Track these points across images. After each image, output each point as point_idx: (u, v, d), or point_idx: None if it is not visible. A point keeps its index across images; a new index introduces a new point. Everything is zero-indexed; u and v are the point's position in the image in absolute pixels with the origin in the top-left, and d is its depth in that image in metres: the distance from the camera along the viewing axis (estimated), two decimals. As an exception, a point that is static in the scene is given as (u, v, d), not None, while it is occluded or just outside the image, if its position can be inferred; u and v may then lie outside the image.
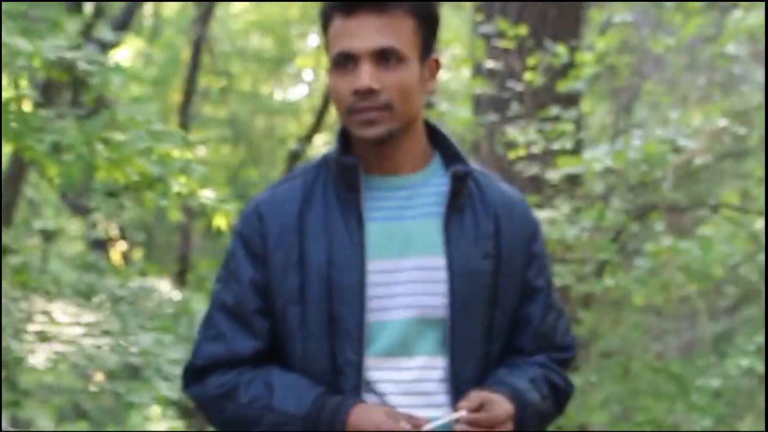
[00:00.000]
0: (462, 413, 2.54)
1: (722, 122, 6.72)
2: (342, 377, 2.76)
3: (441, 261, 2.74)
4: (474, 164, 2.93)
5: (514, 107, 7.46)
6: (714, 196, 7.61)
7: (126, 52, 15.70)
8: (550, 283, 2.92)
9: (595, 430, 7.39)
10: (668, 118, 7.35)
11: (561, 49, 7.17)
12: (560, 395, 2.83)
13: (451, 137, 2.94)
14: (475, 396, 2.61)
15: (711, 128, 6.77)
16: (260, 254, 2.83)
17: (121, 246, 13.50)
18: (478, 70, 9.38)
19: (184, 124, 13.29)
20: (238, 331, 2.84)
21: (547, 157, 6.93)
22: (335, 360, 2.79)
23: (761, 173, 6.96)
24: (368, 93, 2.65)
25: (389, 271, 2.80)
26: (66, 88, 8.67)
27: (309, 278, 2.80)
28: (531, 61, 7.37)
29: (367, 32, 2.69)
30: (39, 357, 7.69)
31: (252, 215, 2.92)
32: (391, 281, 2.79)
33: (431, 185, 2.88)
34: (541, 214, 6.49)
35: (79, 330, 7.25)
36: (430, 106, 8.80)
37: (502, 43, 7.58)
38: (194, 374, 2.87)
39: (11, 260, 8.28)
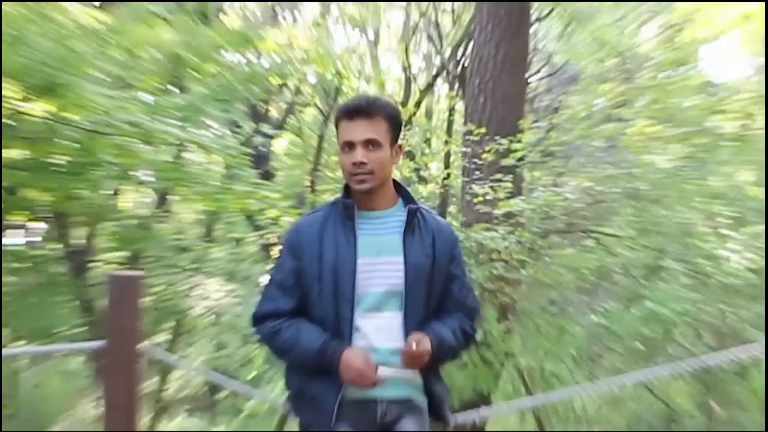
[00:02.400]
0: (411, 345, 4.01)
1: (587, 183, 9.22)
2: (342, 324, 4.05)
3: (400, 259, 4.09)
4: (420, 203, 4.24)
5: (477, 173, 9.84)
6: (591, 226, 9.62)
7: (283, 140, 19.88)
8: (464, 272, 4.36)
9: (512, 354, 9.15)
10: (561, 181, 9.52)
11: (503, 141, 9.70)
12: (469, 337, 4.36)
13: (408, 188, 4.30)
14: (414, 335, 4.05)
15: (581, 187, 9.23)
16: (297, 253, 4.14)
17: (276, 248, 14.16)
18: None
19: (313, 180, 18.26)
20: (282, 296, 4.14)
21: (495, 201, 9.07)
22: (338, 315, 4.05)
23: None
24: (361, 164, 3.95)
25: (371, 264, 4.07)
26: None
27: (324, 268, 4.06)
28: (487, 147, 9.86)
29: (360, 130, 3.96)
30: (197, 310, 10.39)
31: (294, 231, 4.21)
32: (372, 269, 4.06)
33: (396, 216, 4.18)
34: (488, 234, 8.76)
35: (221, 294, 10.15)
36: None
37: (472, 137, 10.17)
38: (256, 320, 4.21)
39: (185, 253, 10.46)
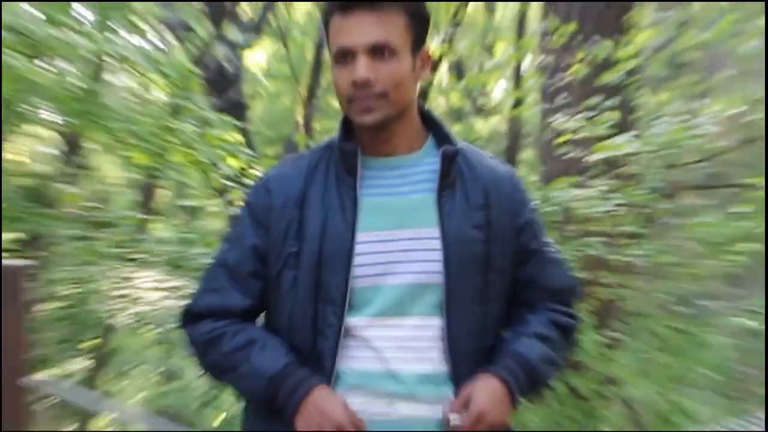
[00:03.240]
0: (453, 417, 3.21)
1: (738, 109, 7.60)
2: (322, 338, 3.30)
3: (435, 232, 3.31)
4: (463, 142, 3.55)
5: (562, 98, 8.44)
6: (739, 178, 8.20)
7: (261, 53, 17.88)
8: (545, 242, 3.58)
9: (617, 382, 7.94)
10: (694, 107, 7.98)
11: (604, 45, 8.12)
12: (568, 331, 3.52)
13: (443, 121, 3.57)
14: (455, 401, 3.23)
15: (728, 115, 7.56)
16: (264, 223, 3.41)
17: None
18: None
19: (309, 114, 15.71)
20: (233, 288, 3.43)
21: (591, 142, 7.57)
22: (317, 323, 3.31)
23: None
24: (365, 84, 3.22)
25: (384, 240, 3.34)
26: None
27: (305, 247, 3.34)
28: (577, 55, 8.29)
29: (362, 29, 3.23)
30: (120, 318, 8.94)
31: (261, 188, 3.51)
32: (386, 250, 3.33)
33: (424, 164, 3.44)
34: (580, 192, 7.33)
35: (160, 294, 8.67)
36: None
37: (555, 40, 8.70)
38: (189, 317, 3.51)
39: (109, 233, 9.27)
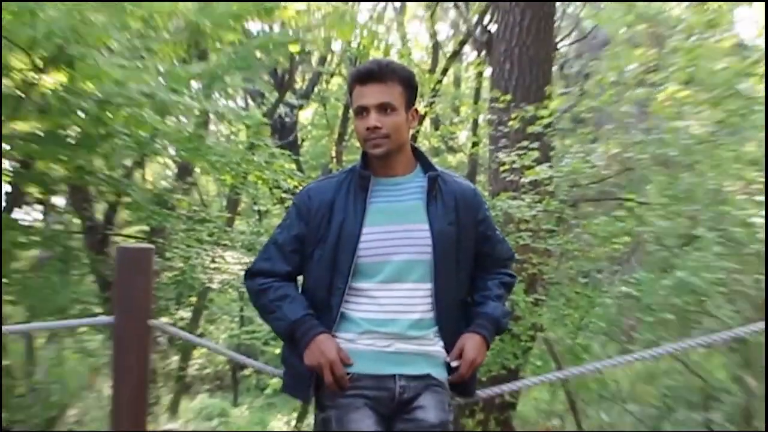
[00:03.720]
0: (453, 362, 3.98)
1: (615, 150, 9.37)
2: (333, 297, 3.96)
3: (425, 226, 3.98)
4: (440, 168, 4.15)
5: (503, 141, 9.84)
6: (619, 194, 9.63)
7: (309, 111, 20.43)
8: (494, 228, 4.31)
9: (540, 328, 9.30)
10: (591, 149, 9.61)
11: (529, 108, 9.66)
12: (510, 286, 4.37)
13: (426, 154, 4.23)
14: (454, 352, 4.00)
15: (610, 153, 9.22)
16: (305, 217, 4.05)
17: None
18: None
19: (339, 150, 18.77)
20: (280, 259, 4.09)
21: (521, 170, 9.09)
22: (331, 285, 3.98)
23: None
24: (375, 129, 3.89)
25: (387, 232, 3.97)
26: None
27: (329, 234, 3.98)
28: (513, 115, 9.86)
29: (373, 94, 3.93)
30: (214, 283, 10.28)
31: (305, 195, 4.12)
32: (388, 238, 3.96)
33: (415, 182, 4.08)
34: (514, 203, 8.71)
35: (239, 267, 10.07)
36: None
37: (498, 104, 10.21)
38: (250, 274, 4.17)
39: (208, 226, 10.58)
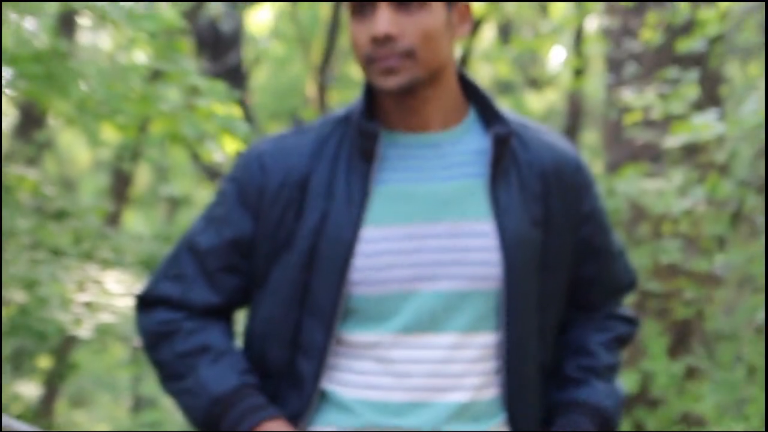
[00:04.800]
0: None
1: None
2: (302, 358, 2.86)
3: (486, 227, 2.79)
4: (514, 117, 2.99)
5: (631, 68, 8.12)
6: None
7: (267, 11, 17.32)
8: (609, 232, 3.00)
9: (698, 421, 7.65)
10: None
11: (682, 6, 7.60)
12: (628, 341, 3.08)
13: (487, 91, 3.00)
14: None
15: None
16: (253, 206, 2.90)
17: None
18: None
19: (323, 84, 14.60)
20: (199, 280, 2.93)
21: (667, 123, 7.34)
22: (299, 336, 2.88)
23: None
24: (387, 40, 2.72)
25: (412, 237, 2.84)
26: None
27: (298, 238, 2.88)
28: (650, 18, 7.85)
29: None
30: (85, 329, 7.98)
31: (254, 163, 2.96)
32: (413, 250, 2.82)
33: (465, 143, 2.92)
34: (653, 185, 7.33)
35: (131, 301, 8.14)
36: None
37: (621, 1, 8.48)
38: (144, 303, 2.97)
39: (71, 225, 8.61)
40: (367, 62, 2.72)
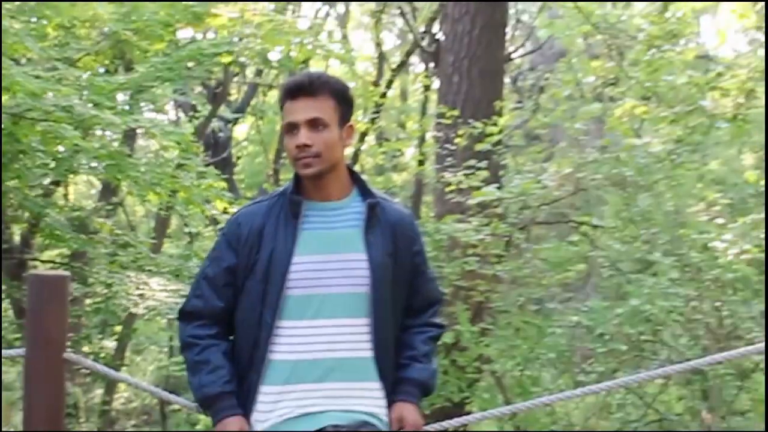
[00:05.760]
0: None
1: (568, 169, 9.40)
2: (262, 332, 3.97)
3: (363, 256, 4.01)
4: (378, 193, 4.20)
5: (450, 160, 10.03)
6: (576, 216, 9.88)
7: (244, 126, 20.78)
8: (427, 264, 4.38)
9: (487, 360, 9.45)
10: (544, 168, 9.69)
11: (477, 124, 9.89)
12: (438, 336, 4.40)
13: (363, 177, 4.27)
14: (393, 425, 4.01)
15: (563, 173, 9.40)
16: (235, 247, 4.07)
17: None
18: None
19: (276, 169, 19.32)
20: (212, 294, 4.09)
21: (469, 191, 9.30)
22: (260, 323, 3.99)
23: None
24: (304, 147, 3.90)
25: (321, 261, 3.99)
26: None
27: (258, 264, 4.01)
28: (461, 131, 10.10)
29: (303, 109, 3.93)
30: (139, 308, 10.35)
31: (234, 222, 4.15)
32: (323, 268, 3.98)
33: (351, 207, 4.08)
34: (461, 226, 9.00)
35: (166, 294, 10.24)
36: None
37: (445, 120, 10.44)
38: (182, 316, 4.17)
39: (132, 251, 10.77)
40: (294, 159, 3.98)
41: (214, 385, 3.95)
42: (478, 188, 9.23)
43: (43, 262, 12.11)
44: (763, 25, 11.12)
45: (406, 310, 4.21)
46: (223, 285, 4.04)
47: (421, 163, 14.83)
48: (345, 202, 4.09)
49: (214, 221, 11.48)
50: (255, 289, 3.98)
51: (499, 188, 9.36)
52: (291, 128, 3.95)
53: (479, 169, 9.44)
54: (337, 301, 3.97)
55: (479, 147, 9.82)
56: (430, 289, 4.32)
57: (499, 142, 10.02)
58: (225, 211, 9.79)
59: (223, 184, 10.27)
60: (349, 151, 4.65)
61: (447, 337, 8.65)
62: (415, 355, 4.17)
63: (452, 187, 9.51)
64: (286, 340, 3.94)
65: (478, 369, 9.52)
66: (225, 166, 17.42)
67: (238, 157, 22.69)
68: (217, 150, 19.59)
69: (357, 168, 4.94)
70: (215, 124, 19.26)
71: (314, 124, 3.91)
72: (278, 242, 3.96)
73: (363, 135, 16.12)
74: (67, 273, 5.17)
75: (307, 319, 3.93)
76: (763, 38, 11.04)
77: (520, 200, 9.40)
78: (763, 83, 9.38)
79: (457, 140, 10.15)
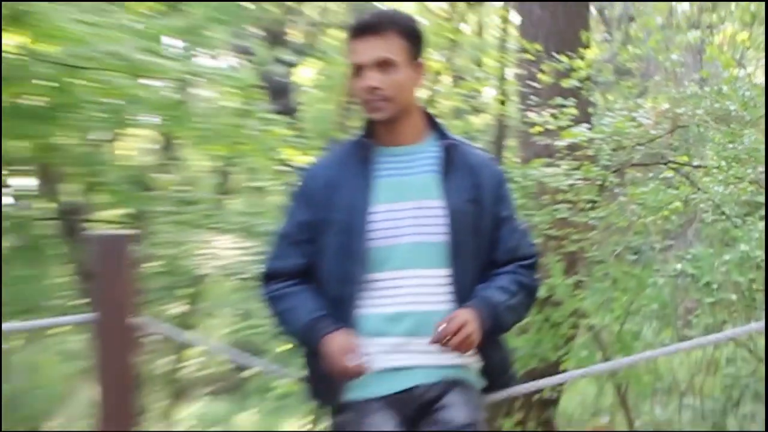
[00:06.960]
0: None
1: (664, 106, 8.86)
2: (348, 287, 4.05)
3: (439, 203, 4.05)
4: (456, 136, 4.25)
5: (534, 99, 9.72)
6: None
7: (309, 70, 20.01)
8: (514, 213, 4.32)
9: (582, 314, 9.07)
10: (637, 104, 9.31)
11: (564, 59, 9.42)
12: (529, 289, 4.29)
13: (440, 120, 4.31)
14: (440, 322, 3.91)
15: (658, 110, 8.87)
16: (309, 201, 4.17)
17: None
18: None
19: (344, 116, 17.96)
20: (291, 253, 4.21)
21: (557, 132, 8.87)
22: (345, 276, 4.07)
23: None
24: (373, 90, 3.98)
25: (397, 210, 4.05)
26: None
27: (335, 218, 4.09)
28: (545, 67, 9.73)
29: (369, 49, 4.00)
30: (209, 272, 10.56)
31: (307, 176, 4.27)
32: (398, 217, 4.04)
33: (426, 152, 4.17)
34: (549, 170, 8.61)
35: (235, 253, 10.31)
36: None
37: (527, 56, 10.09)
38: (263, 278, 4.31)
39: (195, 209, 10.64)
40: (363, 103, 4.07)
41: (308, 312, 4.07)
42: (567, 129, 8.82)
43: (105, 222, 12.17)
44: None
45: (491, 265, 4.22)
46: (302, 241, 4.17)
47: (502, 103, 14.88)
48: (421, 147, 4.18)
49: (282, 173, 11.16)
50: (336, 244, 4.06)
51: (589, 128, 8.84)
52: (358, 70, 4.02)
53: (567, 107, 9.03)
54: (416, 251, 4.03)
55: (566, 84, 9.38)
56: (515, 239, 4.28)
57: (587, 78, 9.57)
58: (293, 162, 9.85)
59: (290, 132, 10.32)
60: (423, 94, 3.89)
61: (539, 292, 8.14)
62: (491, 283, 4.16)
63: (538, 129, 9.16)
64: (370, 294, 4.03)
65: (574, 324, 9.22)
66: (287, 113, 17.11)
67: (302, 105, 22.57)
68: (278, 97, 19.47)
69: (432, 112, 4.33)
70: (276, 69, 19.14)
71: (382, 64, 3.97)
72: (354, 193, 4.06)
73: (437, 75, 16.08)
74: (131, 232, 5.33)
75: (388, 270, 4.02)
76: None
77: (613, 141, 8.87)
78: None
79: (540, 77, 9.76)
